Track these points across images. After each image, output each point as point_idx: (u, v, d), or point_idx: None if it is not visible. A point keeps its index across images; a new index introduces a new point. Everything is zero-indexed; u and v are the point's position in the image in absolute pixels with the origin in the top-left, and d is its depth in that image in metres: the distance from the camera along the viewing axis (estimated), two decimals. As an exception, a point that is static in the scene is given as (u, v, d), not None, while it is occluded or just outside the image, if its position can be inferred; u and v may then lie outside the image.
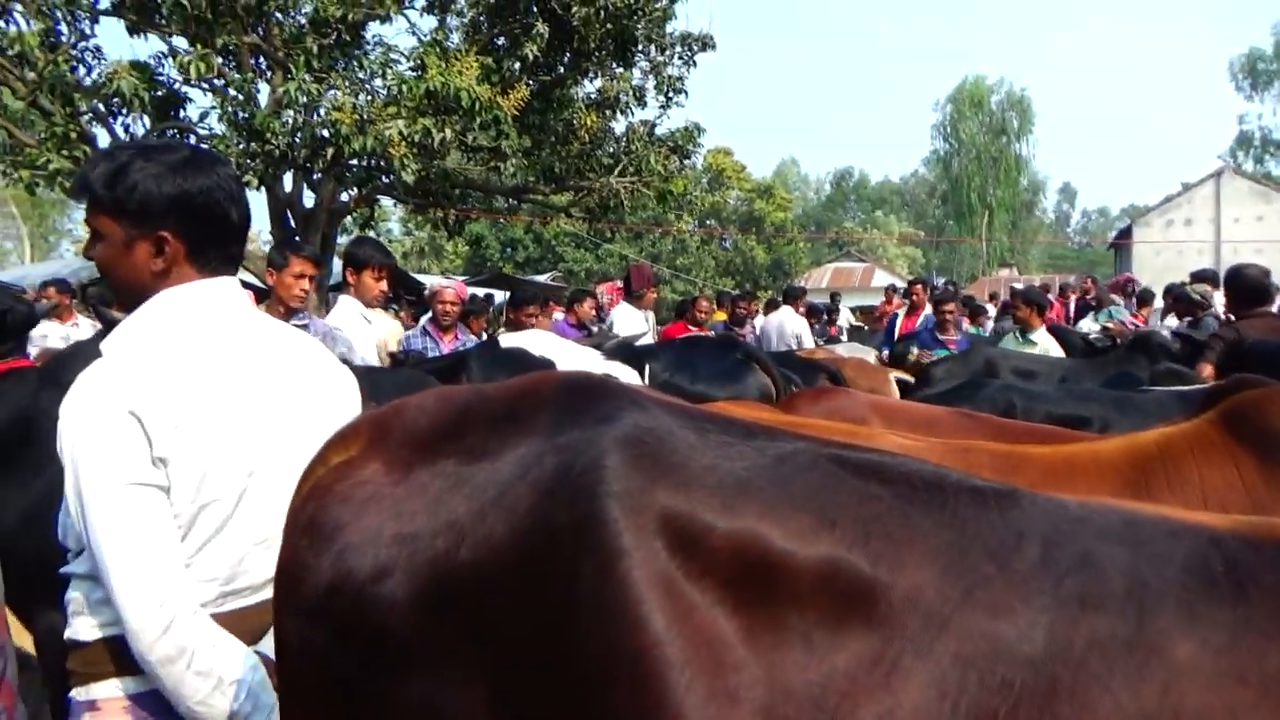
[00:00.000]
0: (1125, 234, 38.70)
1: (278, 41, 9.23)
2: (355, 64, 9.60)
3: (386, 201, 14.64)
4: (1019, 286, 17.90)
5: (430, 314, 5.46)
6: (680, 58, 11.97)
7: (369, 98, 9.42)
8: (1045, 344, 6.57)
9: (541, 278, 25.13)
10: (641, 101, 11.99)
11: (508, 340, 3.87)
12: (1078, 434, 2.60)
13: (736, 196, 37.74)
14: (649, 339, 7.23)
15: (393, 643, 1.09)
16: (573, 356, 3.62)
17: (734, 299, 11.15)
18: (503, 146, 10.30)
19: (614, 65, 11.57)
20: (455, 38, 10.66)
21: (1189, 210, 35.74)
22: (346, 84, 9.31)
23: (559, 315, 9.20)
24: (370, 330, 4.58)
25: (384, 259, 4.60)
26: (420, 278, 16.12)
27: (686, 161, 13.15)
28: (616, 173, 11.86)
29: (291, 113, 8.98)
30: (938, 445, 1.98)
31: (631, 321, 7.24)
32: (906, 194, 59.50)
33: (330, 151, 8.94)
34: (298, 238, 11.70)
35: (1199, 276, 9.95)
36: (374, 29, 10.11)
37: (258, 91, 9.40)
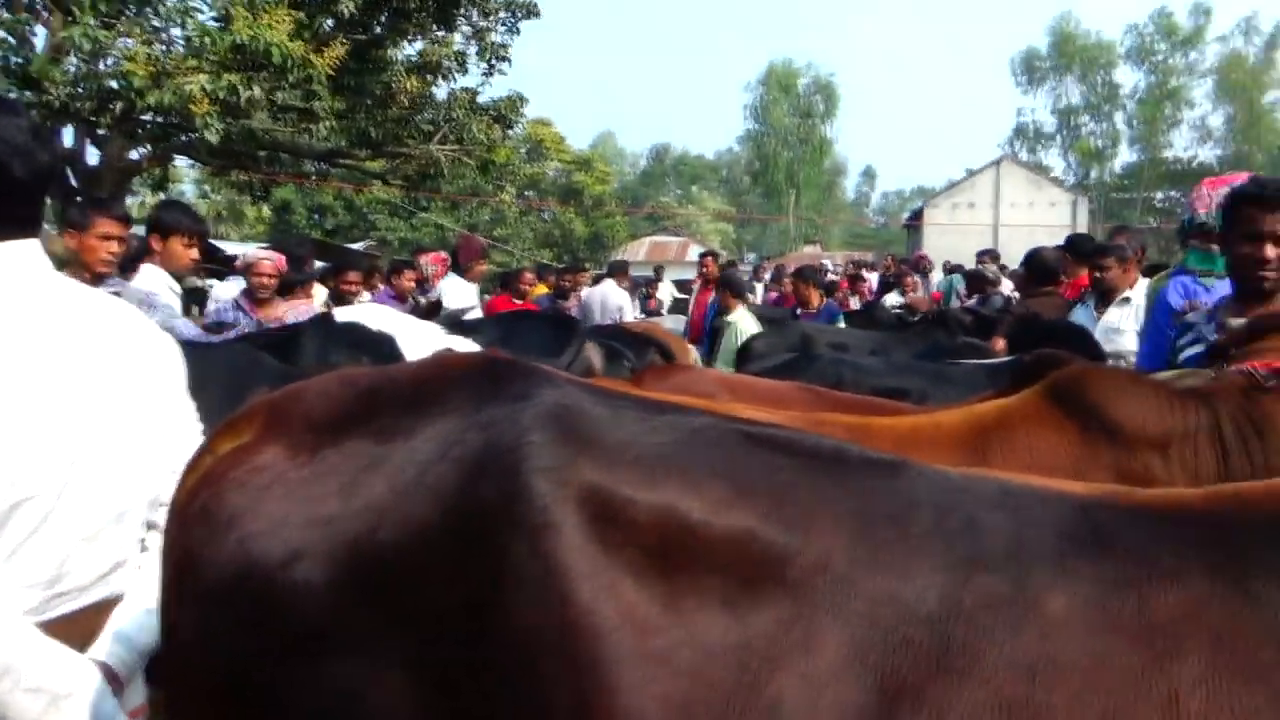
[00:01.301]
0: (917, 215, 41.55)
1: (57, -20, 8.37)
2: (150, 10, 8.83)
3: (182, 161, 13.61)
4: (827, 263, 18.83)
5: (244, 287, 5.15)
6: (504, 24, 11.79)
7: (166, 48, 8.71)
8: (741, 322, 7.17)
9: (354, 246, 24.17)
10: (464, 68, 11.73)
11: (343, 314, 3.70)
12: (907, 406, 2.79)
13: (556, 168, 37.61)
14: (476, 313, 7.11)
15: (308, 628, 1.06)
16: (412, 331, 3.51)
17: (559, 272, 11.14)
18: (314, 107, 9.79)
19: (436, 28, 11.23)
20: (263, -12, 10.02)
21: (972, 194, 38.84)
22: (140, 32, 8.56)
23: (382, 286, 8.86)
24: (178, 302, 4.27)
25: (195, 225, 4.29)
26: (219, 245, 15.09)
27: (509, 131, 13.00)
28: (437, 140, 11.56)
29: (74, 60, 8.17)
30: (795, 419, 2.07)
31: (461, 294, 7.10)
32: (723, 170, 61.19)
33: (120, 105, 8.21)
34: (79, 198, 10.73)
35: (986, 256, 10.85)
36: (171, -28, 9.35)
37: (34, 35, 8.49)
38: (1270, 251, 2.59)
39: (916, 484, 1.15)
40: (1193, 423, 1.91)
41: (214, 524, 1.11)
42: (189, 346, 2.11)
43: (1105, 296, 4.84)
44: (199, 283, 8.96)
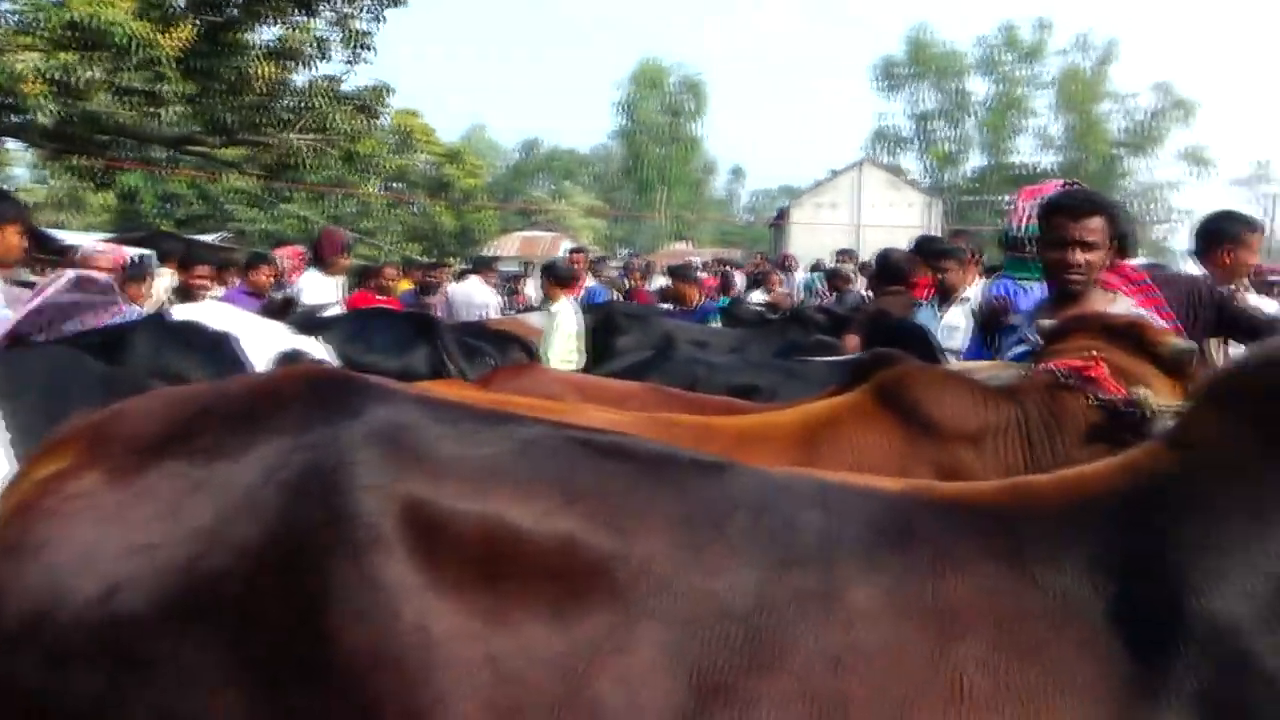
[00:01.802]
0: (782, 214, 42.80)
1: None
2: (-27, -19, 8.19)
3: (14, 144, 12.68)
4: (696, 260, 19.14)
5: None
6: (368, 11, 11.46)
7: (-8, 23, 8.09)
8: (562, 314, 7.21)
9: (208, 238, 23.00)
10: (325, 55, 11.36)
11: (180, 312, 3.51)
12: (753, 405, 2.89)
13: (425, 160, 36.79)
14: (338, 309, 6.90)
15: (131, 660, 1.04)
16: (255, 331, 3.36)
17: (424, 268, 10.94)
18: (161, 90, 9.30)
19: (295, 13, 10.82)
20: (104, -37, 9.41)
21: (835, 195, 40.35)
22: (-38, 4, 7.93)
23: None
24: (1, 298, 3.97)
25: (23, 213, 3.99)
26: (58, 234, 14.10)
27: (374, 121, 12.68)
28: (297, 129, 11.16)
29: (-116, 32, 7.51)
30: (640, 419, 2.14)
31: (320, 290, 6.86)
32: (597, 166, 61.25)
33: (-61, 83, 7.59)
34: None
35: (844, 255, 11.27)
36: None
37: None
38: (1078, 256, 2.81)
39: (740, 485, 1.21)
40: (1002, 418, 2.08)
41: (24, 557, 1.08)
42: (3, 351, 1.99)
43: (946, 296, 5.12)
44: (30, 276, 8.37)
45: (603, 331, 7.40)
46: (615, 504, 1.13)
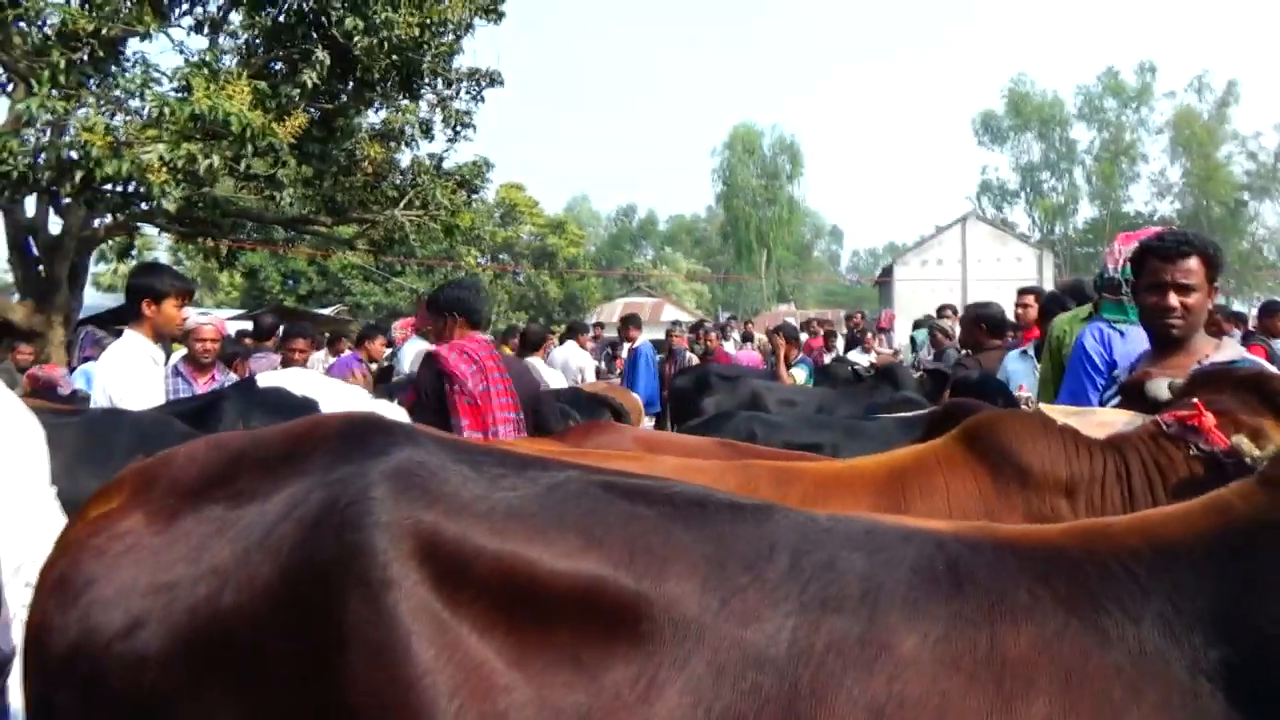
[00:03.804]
0: (887, 273, 42.16)
1: (18, 53, 8.42)
2: (111, 82, 8.89)
3: (151, 229, 13.60)
4: (791, 320, 19.00)
5: (185, 352, 5.09)
6: (467, 92, 11.97)
7: (126, 118, 8.75)
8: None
9: (327, 311, 24.16)
10: (428, 134, 11.88)
11: (266, 380, 3.64)
12: (819, 457, 2.81)
13: (529, 231, 37.90)
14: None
15: (150, 697, 1.05)
16: (337, 396, 3.46)
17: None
18: (279, 175, 9.83)
19: (399, 97, 11.38)
20: (228, 60, 10.13)
21: (940, 250, 39.51)
22: (100, 103, 8.61)
23: (348, 351, 8.83)
24: (160, 371, 4.08)
25: (186, 285, 4.10)
26: (191, 311, 14.95)
27: (475, 195, 13.13)
28: (402, 205, 11.64)
29: (33, 131, 8.20)
30: (719, 465, 2.11)
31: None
32: (697, 231, 61.89)
33: (79, 175, 8.22)
34: (40, 266, 10.71)
35: (946, 310, 10.98)
36: (135, 46, 9.47)
37: (-8, 108, 8.53)
38: (1173, 300, 2.65)
39: (780, 527, 1.14)
40: (1099, 468, 1.95)
41: (67, 593, 1.11)
42: (105, 415, 2.09)
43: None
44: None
45: (694, 391, 7.39)
46: (642, 545, 1.08)
